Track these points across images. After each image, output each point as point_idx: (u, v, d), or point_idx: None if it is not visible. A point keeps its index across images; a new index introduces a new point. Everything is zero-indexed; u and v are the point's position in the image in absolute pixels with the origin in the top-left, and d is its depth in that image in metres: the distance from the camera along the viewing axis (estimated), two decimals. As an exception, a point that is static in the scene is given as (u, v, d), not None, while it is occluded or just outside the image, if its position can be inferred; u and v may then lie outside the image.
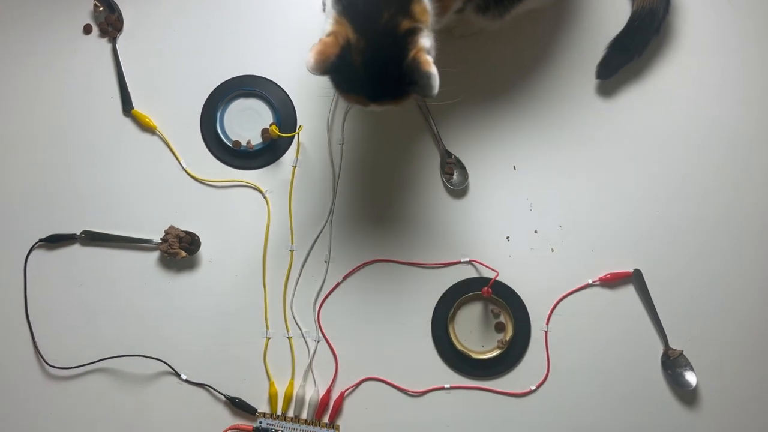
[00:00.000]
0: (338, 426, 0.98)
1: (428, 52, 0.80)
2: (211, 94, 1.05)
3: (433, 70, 0.78)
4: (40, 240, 1.02)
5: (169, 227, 1.01)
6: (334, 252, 1.02)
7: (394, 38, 0.80)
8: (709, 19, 1.03)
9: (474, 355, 0.98)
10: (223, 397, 0.99)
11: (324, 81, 0.84)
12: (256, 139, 1.04)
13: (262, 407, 0.99)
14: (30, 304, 1.01)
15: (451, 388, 0.99)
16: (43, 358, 1.00)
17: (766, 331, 0.98)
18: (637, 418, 0.97)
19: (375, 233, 1.02)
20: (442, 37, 1.01)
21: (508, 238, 1.01)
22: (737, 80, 1.02)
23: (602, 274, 0.99)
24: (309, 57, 0.79)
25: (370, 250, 1.01)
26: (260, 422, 0.98)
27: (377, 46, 0.80)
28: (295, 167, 1.03)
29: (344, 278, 1.01)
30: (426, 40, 0.81)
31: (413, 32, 0.80)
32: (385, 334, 1.00)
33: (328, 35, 0.80)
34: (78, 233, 1.02)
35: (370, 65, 0.81)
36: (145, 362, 0.99)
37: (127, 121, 1.05)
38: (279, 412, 0.99)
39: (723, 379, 0.97)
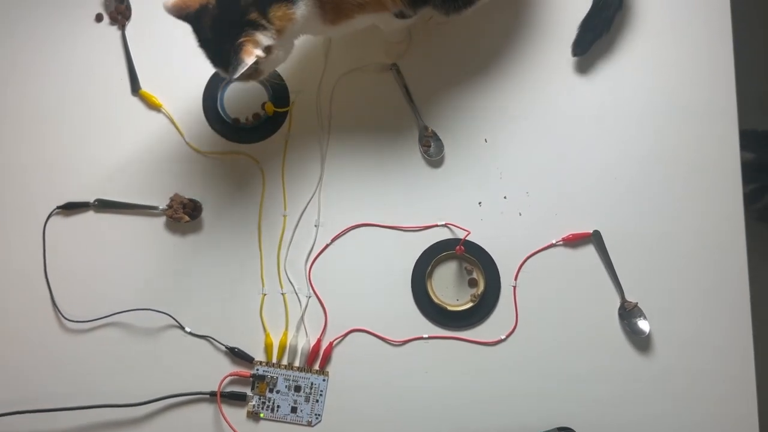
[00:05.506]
0: (327, 372, 1.04)
1: (258, 46, 0.86)
2: (212, 76, 1.12)
3: (247, 60, 0.84)
4: (58, 207, 1.08)
5: (174, 195, 1.08)
6: (323, 217, 1.09)
7: (239, 20, 0.87)
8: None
9: (449, 308, 1.04)
10: (223, 347, 1.05)
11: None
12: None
13: (259, 356, 1.05)
14: (48, 265, 1.07)
15: (429, 337, 1.04)
16: (60, 313, 1.06)
17: (709, 284, 1.04)
18: (597, 363, 1.02)
19: (360, 200, 1.09)
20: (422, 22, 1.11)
21: (480, 203, 1.08)
22: (695, 53, 1.09)
23: (565, 235, 1.05)
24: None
25: (355, 214, 1.08)
26: (257, 369, 1.05)
27: (224, 18, 0.88)
28: (287, 141, 1.11)
29: (332, 240, 1.08)
30: (264, 38, 0.87)
31: (256, 27, 0.87)
32: (369, 290, 1.06)
33: None
34: (92, 201, 1.09)
35: (214, 30, 0.88)
36: (153, 316, 1.05)
37: (135, 100, 1.13)
38: (274, 360, 1.05)
39: (672, 326, 1.03)
